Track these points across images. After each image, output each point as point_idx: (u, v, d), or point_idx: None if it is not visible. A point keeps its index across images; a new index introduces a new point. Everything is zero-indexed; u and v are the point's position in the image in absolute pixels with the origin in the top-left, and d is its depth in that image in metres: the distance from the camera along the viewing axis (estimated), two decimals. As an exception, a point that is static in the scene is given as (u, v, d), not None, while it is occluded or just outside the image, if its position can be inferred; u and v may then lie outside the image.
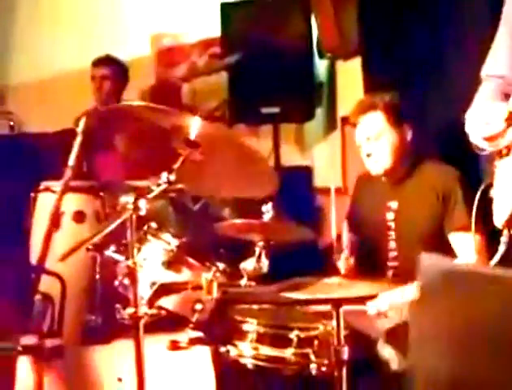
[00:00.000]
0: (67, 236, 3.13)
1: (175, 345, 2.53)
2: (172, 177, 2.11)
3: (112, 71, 4.24)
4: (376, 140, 3.02)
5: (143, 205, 2.06)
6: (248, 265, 2.43)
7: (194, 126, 2.08)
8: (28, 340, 2.73)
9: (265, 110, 4.37)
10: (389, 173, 3.05)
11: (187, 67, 4.78)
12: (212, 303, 2.35)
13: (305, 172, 4.71)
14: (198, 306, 2.37)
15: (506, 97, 2.00)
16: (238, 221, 2.55)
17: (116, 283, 2.42)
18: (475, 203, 2.14)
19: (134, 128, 2.14)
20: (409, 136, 3.03)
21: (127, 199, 2.07)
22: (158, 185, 2.11)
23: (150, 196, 2.09)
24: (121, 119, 2.11)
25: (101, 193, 3.28)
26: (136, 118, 2.10)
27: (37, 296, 2.88)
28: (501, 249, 2.00)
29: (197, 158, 2.14)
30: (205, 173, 2.20)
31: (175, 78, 4.76)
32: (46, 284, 2.91)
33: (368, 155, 3.05)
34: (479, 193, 2.14)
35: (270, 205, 2.45)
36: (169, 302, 2.39)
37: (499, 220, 1.98)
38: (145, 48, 4.87)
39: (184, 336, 2.53)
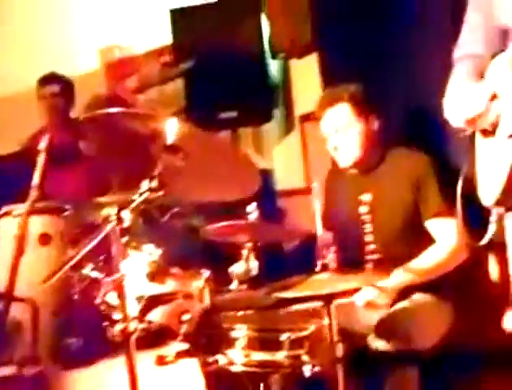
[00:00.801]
0: (34, 259, 3.03)
1: (162, 360, 2.45)
2: (154, 184, 2.04)
3: (61, 87, 4.22)
4: (344, 132, 3.00)
5: (127, 216, 1.98)
6: (237, 268, 2.38)
7: (172, 129, 2.01)
8: (5, 370, 2.63)
9: (222, 115, 4.33)
10: (359, 165, 3.03)
11: (138, 78, 4.70)
12: (199, 312, 2.29)
13: (266, 175, 4.66)
14: (186, 317, 2.30)
15: (482, 76, 1.98)
16: (224, 223, 2.49)
17: (98, 301, 2.33)
18: (458, 186, 2.12)
19: (111, 137, 2.06)
20: (376, 125, 3.02)
21: (109, 211, 1.99)
22: (140, 194, 2.04)
23: (133, 205, 2.01)
24: (99, 128, 2.03)
25: (66, 213, 3.19)
26: (113, 126, 2.02)
27: (9, 325, 2.78)
28: (492, 228, 1.99)
29: (178, 163, 2.06)
30: (187, 177, 2.13)
31: (128, 90, 4.67)
32: (18, 311, 2.81)
33: (336, 148, 3.03)
34: (462, 176, 2.12)
35: (254, 205, 2.40)
36: (156, 315, 2.31)
37: (488, 199, 1.97)
38: (93, 62, 4.77)
39: (170, 350, 2.46)
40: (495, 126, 1.88)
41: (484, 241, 2.03)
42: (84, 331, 2.56)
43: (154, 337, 2.34)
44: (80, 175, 3.69)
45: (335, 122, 3.02)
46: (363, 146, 3.00)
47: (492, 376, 2.83)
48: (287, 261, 3.99)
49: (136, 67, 4.73)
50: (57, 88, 4.20)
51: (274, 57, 4.42)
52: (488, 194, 1.96)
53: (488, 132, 1.93)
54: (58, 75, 4.27)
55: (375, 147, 3.03)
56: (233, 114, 4.32)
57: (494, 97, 1.84)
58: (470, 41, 2.06)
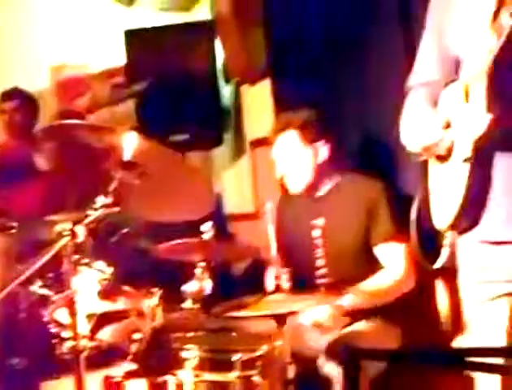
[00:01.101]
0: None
1: (110, 381, 2.40)
2: (109, 200, 2.01)
3: (22, 103, 4.19)
4: (293, 159, 3.03)
5: (81, 231, 1.95)
6: (190, 287, 2.36)
7: (129, 144, 1.99)
8: None
9: (173, 138, 4.30)
10: (310, 190, 3.06)
11: (89, 98, 4.66)
12: (150, 331, 2.25)
13: (216, 199, 4.65)
14: (136, 336, 2.27)
15: (436, 103, 2.03)
16: (179, 241, 2.47)
17: (46, 318, 2.28)
18: (412, 210, 2.15)
19: (66, 151, 2.03)
20: (325, 152, 3.04)
21: (63, 226, 1.95)
22: (95, 210, 2.01)
23: (88, 221, 1.98)
24: (54, 141, 1.99)
25: (13, 231, 3.13)
26: (68, 139, 1.99)
27: None
28: (445, 251, 2.02)
29: (134, 180, 2.04)
30: (143, 195, 2.11)
31: (77, 110, 4.62)
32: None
33: (286, 174, 3.05)
34: (416, 203, 2.16)
35: (209, 224, 2.39)
36: (106, 334, 2.27)
37: (442, 222, 2.00)
38: (44, 80, 4.71)
39: (119, 370, 2.41)
40: (449, 151, 1.92)
41: (439, 264, 2.05)
42: (29, 350, 2.49)
43: (104, 356, 2.29)
44: (34, 192, 3.63)
45: (284, 148, 3.05)
46: (312, 173, 3.02)
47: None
48: (236, 282, 3.99)
49: (87, 87, 4.69)
50: (17, 103, 4.18)
51: (227, 81, 4.44)
52: (442, 218, 1.99)
53: (443, 157, 1.97)
54: (20, 91, 4.27)
55: (326, 173, 3.05)
56: (184, 137, 4.31)
57: (448, 125, 1.89)
58: (424, 68, 2.10)
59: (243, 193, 4.53)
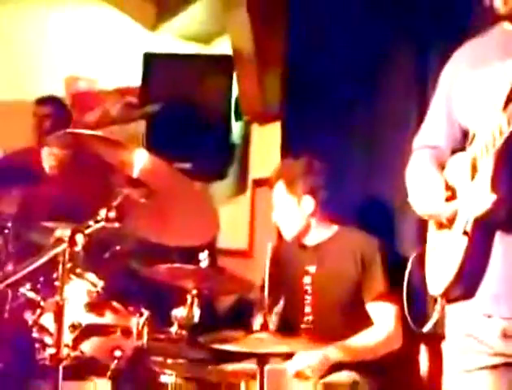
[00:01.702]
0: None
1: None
2: (112, 215, 2.02)
3: (54, 110, 4.22)
4: (280, 208, 3.09)
5: (80, 240, 1.95)
6: (179, 313, 2.35)
7: (140, 162, 2.00)
8: None
9: (176, 165, 4.32)
10: (301, 239, 3.09)
11: (100, 113, 4.69)
12: (133, 350, 2.24)
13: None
14: (118, 353, 2.26)
15: (442, 167, 2.04)
16: (175, 265, 2.47)
17: (31, 322, 2.26)
18: (407, 272, 2.17)
19: (76, 160, 2.04)
20: (311, 206, 3.04)
21: (62, 232, 1.95)
22: (96, 222, 2.01)
23: (88, 231, 1.98)
24: (65, 148, 2.01)
25: (7, 231, 3.12)
26: (80, 149, 2.01)
27: None
28: (435, 316, 2.03)
29: (140, 199, 2.05)
30: (147, 215, 2.11)
31: (87, 123, 4.64)
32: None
33: (276, 222, 3.11)
34: (410, 263, 2.17)
35: (206, 252, 2.40)
36: (88, 346, 2.25)
37: (435, 290, 2.01)
38: (59, 90, 4.74)
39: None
40: (451, 221, 1.94)
41: (427, 328, 2.07)
42: (8, 352, 2.46)
43: (82, 369, 2.27)
44: (40, 196, 3.62)
45: (274, 197, 3.12)
46: (300, 223, 3.05)
47: None
48: (219, 316, 3.98)
49: (99, 102, 4.73)
50: (49, 109, 4.22)
51: (238, 118, 4.48)
52: (436, 284, 2.01)
53: (443, 225, 1.99)
54: (54, 98, 4.33)
55: (316, 224, 3.07)
56: (187, 165, 4.33)
57: (453, 195, 1.91)
58: (431, 132, 2.12)
59: (238, 230, 4.53)
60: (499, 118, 1.69)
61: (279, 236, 3.28)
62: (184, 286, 2.42)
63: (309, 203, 3.05)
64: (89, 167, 2.09)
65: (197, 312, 2.37)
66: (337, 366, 2.81)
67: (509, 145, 1.69)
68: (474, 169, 1.85)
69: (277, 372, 2.62)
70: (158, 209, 2.10)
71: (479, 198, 1.77)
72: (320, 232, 3.08)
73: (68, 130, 2.05)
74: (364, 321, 2.90)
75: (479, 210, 1.78)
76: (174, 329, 2.32)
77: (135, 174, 2.09)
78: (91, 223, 2.03)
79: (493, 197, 1.73)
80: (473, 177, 1.84)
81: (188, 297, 2.38)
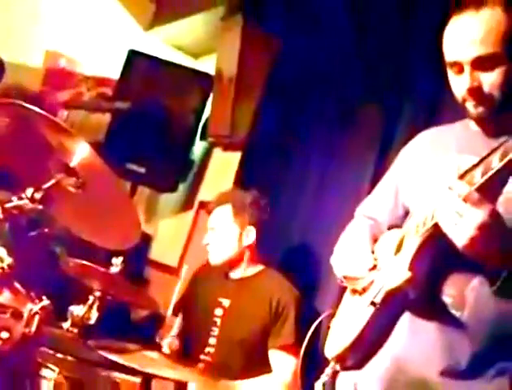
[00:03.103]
0: None
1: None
2: (38, 196, 1.99)
3: None
4: (217, 232, 3.08)
5: (-1, 211, 1.92)
6: (76, 310, 2.31)
7: (81, 153, 2.00)
8: None
9: (130, 166, 4.30)
10: (227, 269, 3.09)
11: (72, 95, 4.64)
12: (21, 336, 2.19)
13: (144, 240, 4.62)
14: (4, 335, 2.20)
15: (374, 239, 2.07)
16: (85, 263, 2.44)
17: None
18: (311, 328, 2.18)
19: (18, 132, 2.01)
20: (251, 238, 3.07)
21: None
22: (20, 198, 1.99)
23: (8, 206, 1.96)
24: (9, 115, 1.98)
25: None
26: (25, 122, 1.99)
27: None
28: (323, 378, 2.04)
29: (71, 187, 2.03)
30: (74, 206, 2.09)
31: (57, 101, 4.59)
32: None
33: (207, 244, 3.10)
34: (319, 320, 2.19)
35: (120, 259, 2.38)
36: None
37: (330, 352, 2.03)
38: (38, 60, 4.69)
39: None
40: (364, 290, 1.96)
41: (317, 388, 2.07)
42: None
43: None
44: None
45: (215, 220, 3.11)
46: (233, 251, 3.06)
47: None
48: (130, 327, 3.94)
49: (75, 84, 4.68)
50: None
51: (203, 137, 4.48)
52: (332, 346, 2.02)
53: (357, 292, 2.01)
54: None
55: (248, 258, 3.08)
56: (141, 170, 4.31)
57: (375, 267, 1.93)
58: (376, 204, 2.15)
59: (173, 246, 4.51)
60: (436, 201, 1.72)
61: (207, 261, 3.26)
62: (90, 286, 2.39)
63: (251, 235, 3.06)
64: (28, 143, 2.06)
65: (94, 314, 2.34)
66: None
67: (438, 230, 1.71)
68: (400, 245, 1.87)
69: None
70: (86, 203, 2.09)
71: (395, 273, 1.79)
72: (247, 268, 3.09)
73: (18, 101, 2.01)
74: (263, 367, 2.89)
75: (391, 284, 1.80)
76: (66, 325, 2.29)
77: (72, 163, 2.09)
78: (14, 198, 2.01)
79: (408, 275, 1.75)
80: (397, 252, 1.87)
81: (91, 298, 2.35)
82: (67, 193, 2.08)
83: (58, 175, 2.06)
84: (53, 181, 2.04)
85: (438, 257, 1.75)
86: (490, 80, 1.72)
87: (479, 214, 1.55)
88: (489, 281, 1.65)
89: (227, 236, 3.07)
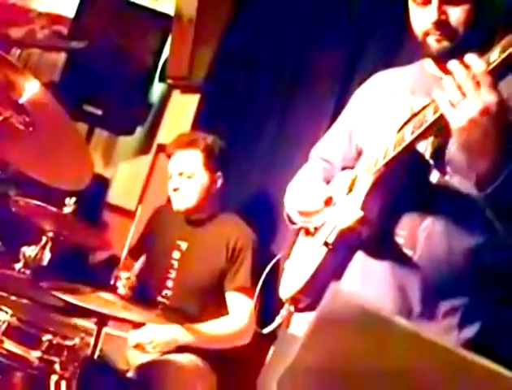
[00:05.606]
0: None
1: None
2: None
3: None
4: (188, 178, 3.03)
5: None
6: (28, 251, 2.28)
7: (31, 91, 1.93)
8: None
9: (87, 108, 4.21)
10: (190, 213, 3.06)
11: (25, 32, 4.50)
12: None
13: (102, 183, 4.57)
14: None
15: (327, 181, 2.05)
16: (37, 203, 2.39)
17: None
18: (265, 270, 2.17)
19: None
20: (219, 183, 3.06)
21: None
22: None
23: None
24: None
25: None
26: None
27: None
28: (278, 320, 2.04)
29: (19, 124, 1.97)
30: (24, 146, 2.03)
31: (10, 37, 4.45)
32: None
33: (175, 189, 3.04)
34: (273, 262, 2.18)
35: (74, 199, 2.33)
36: None
37: (284, 294, 2.03)
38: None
39: None
40: (316, 230, 1.95)
41: (267, 330, 2.07)
42: None
43: None
44: None
45: (183, 165, 3.04)
46: (200, 197, 3.03)
47: None
48: (88, 269, 3.92)
49: (29, 21, 4.54)
50: None
51: (161, 79, 4.40)
52: (286, 288, 2.02)
53: (310, 233, 2.00)
54: None
55: (211, 203, 3.06)
56: (98, 111, 4.22)
57: (328, 202, 1.90)
58: (329, 146, 2.12)
59: (131, 190, 4.46)
60: (388, 140, 1.70)
61: (168, 202, 3.23)
62: (43, 227, 2.35)
63: (219, 181, 3.04)
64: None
65: (47, 255, 2.31)
66: (181, 347, 2.81)
67: (389, 169, 1.70)
68: (352, 185, 1.85)
69: (116, 338, 2.59)
70: (36, 142, 2.03)
71: (348, 213, 1.75)
72: (206, 212, 3.06)
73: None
74: (220, 309, 2.90)
75: (343, 224, 1.76)
76: (18, 266, 2.25)
77: (22, 100, 2.02)
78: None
79: (360, 214, 1.72)
80: (349, 192, 1.84)
81: (43, 238, 2.31)
82: (17, 131, 2.02)
83: (7, 112, 2.00)
84: (0, 118, 1.98)
85: (390, 196, 1.73)
86: (456, 14, 1.69)
87: (487, 98, 1.44)
88: (476, 186, 1.54)
89: (197, 182, 3.02)
